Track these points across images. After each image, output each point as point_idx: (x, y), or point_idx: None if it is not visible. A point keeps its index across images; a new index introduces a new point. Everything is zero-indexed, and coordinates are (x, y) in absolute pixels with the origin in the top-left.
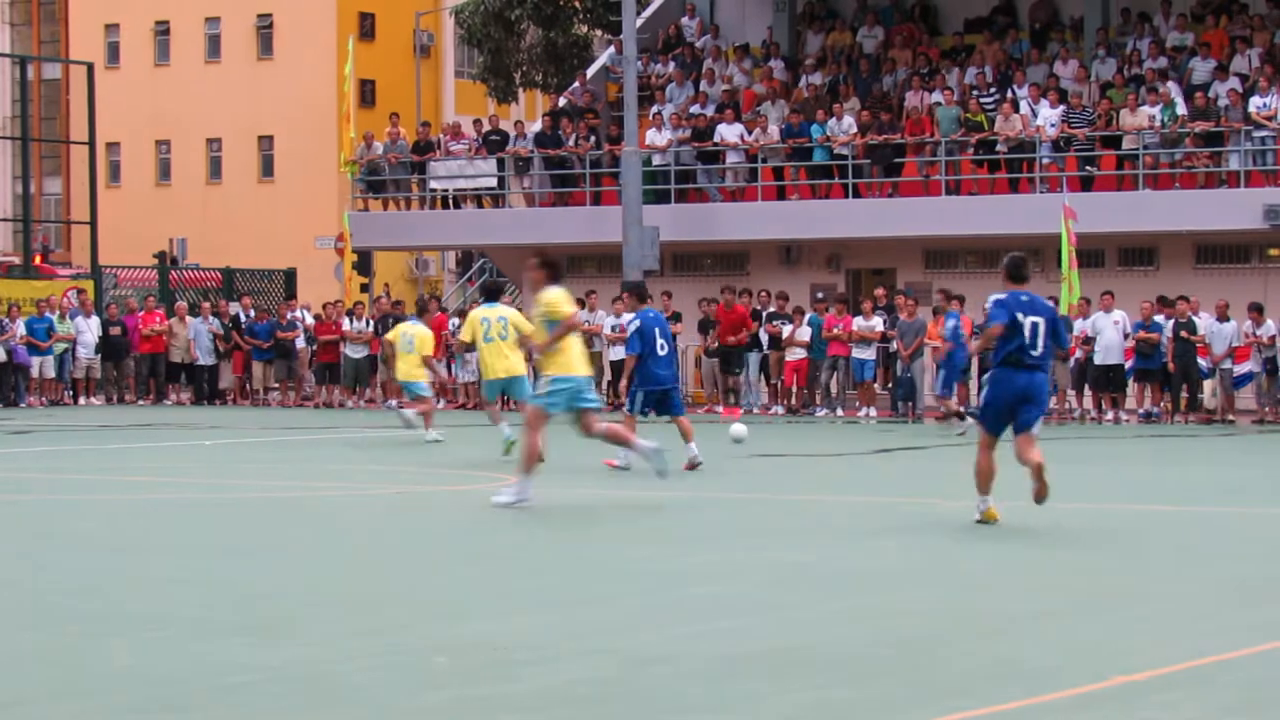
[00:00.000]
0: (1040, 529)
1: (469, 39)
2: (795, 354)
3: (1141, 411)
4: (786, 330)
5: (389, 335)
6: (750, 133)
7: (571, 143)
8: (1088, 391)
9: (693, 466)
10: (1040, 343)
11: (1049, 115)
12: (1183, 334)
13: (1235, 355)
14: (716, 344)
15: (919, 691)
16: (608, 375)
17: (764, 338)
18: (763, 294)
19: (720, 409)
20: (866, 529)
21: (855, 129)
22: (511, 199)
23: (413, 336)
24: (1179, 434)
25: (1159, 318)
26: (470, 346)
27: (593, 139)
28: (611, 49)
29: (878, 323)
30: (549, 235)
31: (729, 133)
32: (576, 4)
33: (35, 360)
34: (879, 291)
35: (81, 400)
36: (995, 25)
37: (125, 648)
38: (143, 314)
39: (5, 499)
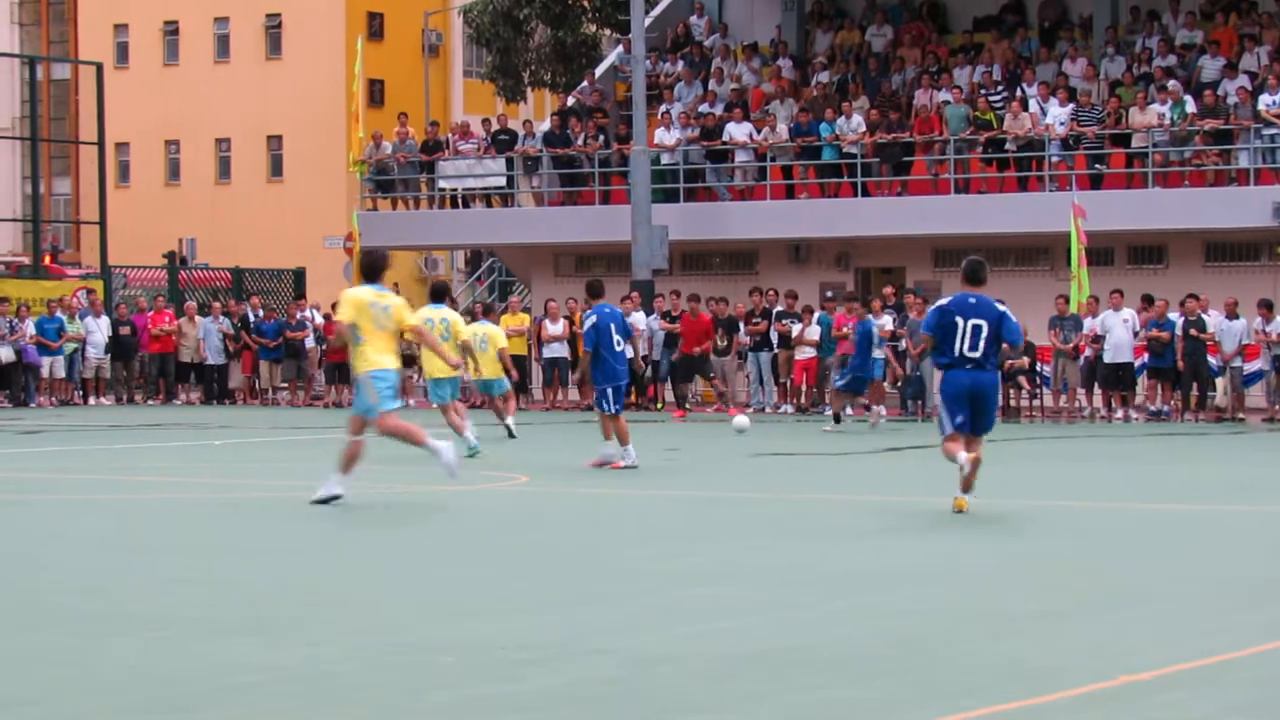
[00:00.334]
0: (1046, 527)
1: (477, 38)
2: (805, 353)
3: (1152, 409)
4: (796, 329)
5: (462, 338)
6: (759, 132)
7: (580, 142)
8: (1097, 390)
9: (601, 464)
10: (982, 344)
11: (1058, 114)
12: (1192, 332)
13: (1245, 353)
14: (679, 354)
15: (922, 691)
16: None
17: (774, 337)
18: (770, 292)
19: (674, 414)
20: (871, 528)
21: (864, 128)
22: (520, 198)
23: (485, 336)
24: (1189, 432)
25: (1173, 314)
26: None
27: (601, 138)
28: (620, 48)
29: (887, 321)
30: (558, 234)
31: (738, 132)
32: (585, 3)
33: (45, 360)
34: (888, 290)
35: (91, 400)
36: (1004, 24)
37: (130, 648)
38: (152, 314)
39: (14, 499)
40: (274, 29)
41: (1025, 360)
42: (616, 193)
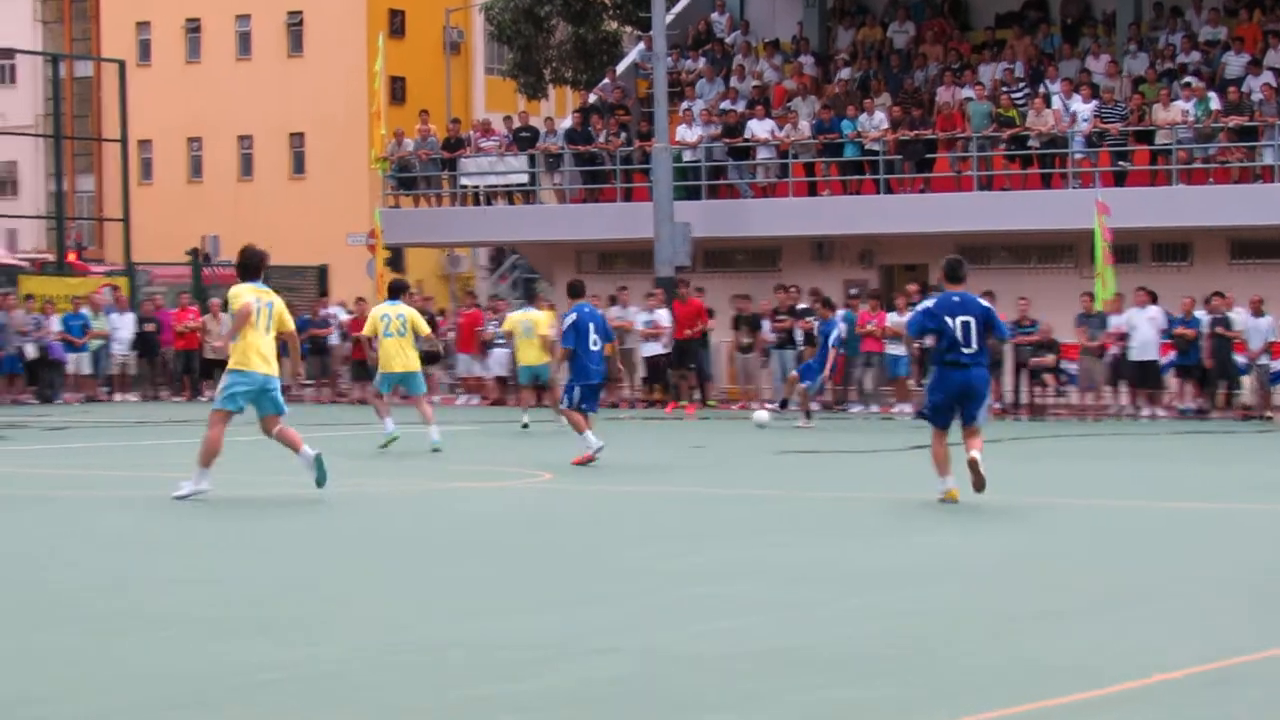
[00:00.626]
0: (1063, 525)
1: (499, 35)
2: None
3: (1181, 408)
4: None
5: (506, 326)
6: (781, 128)
7: (602, 139)
8: (1123, 387)
9: (586, 461)
10: (974, 340)
11: (1082, 110)
12: (1219, 330)
13: (1272, 351)
14: (672, 341)
15: (928, 692)
16: (642, 371)
17: (798, 334)
18: (793, 289)
19: (686, 409)
20: (887, 526)
21: (886, 124)
22: (542, 195)
23: (530, 322)
24: (1215, 430)
25: (1200, 312)
26: (372, 340)
27: (623, 135)
28: (641, 45)
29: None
30: (580, 231)
31: (760, 129)
32: (606, 0)
33: (71, 357)
34: (912, 287)
35: (117, 396)
36: (1026, 20)
37: (145, 646)
38: (176, 311)
39: (39, 495)
40: (295, 26)
41: (1051, 358)
42: (638, 190)
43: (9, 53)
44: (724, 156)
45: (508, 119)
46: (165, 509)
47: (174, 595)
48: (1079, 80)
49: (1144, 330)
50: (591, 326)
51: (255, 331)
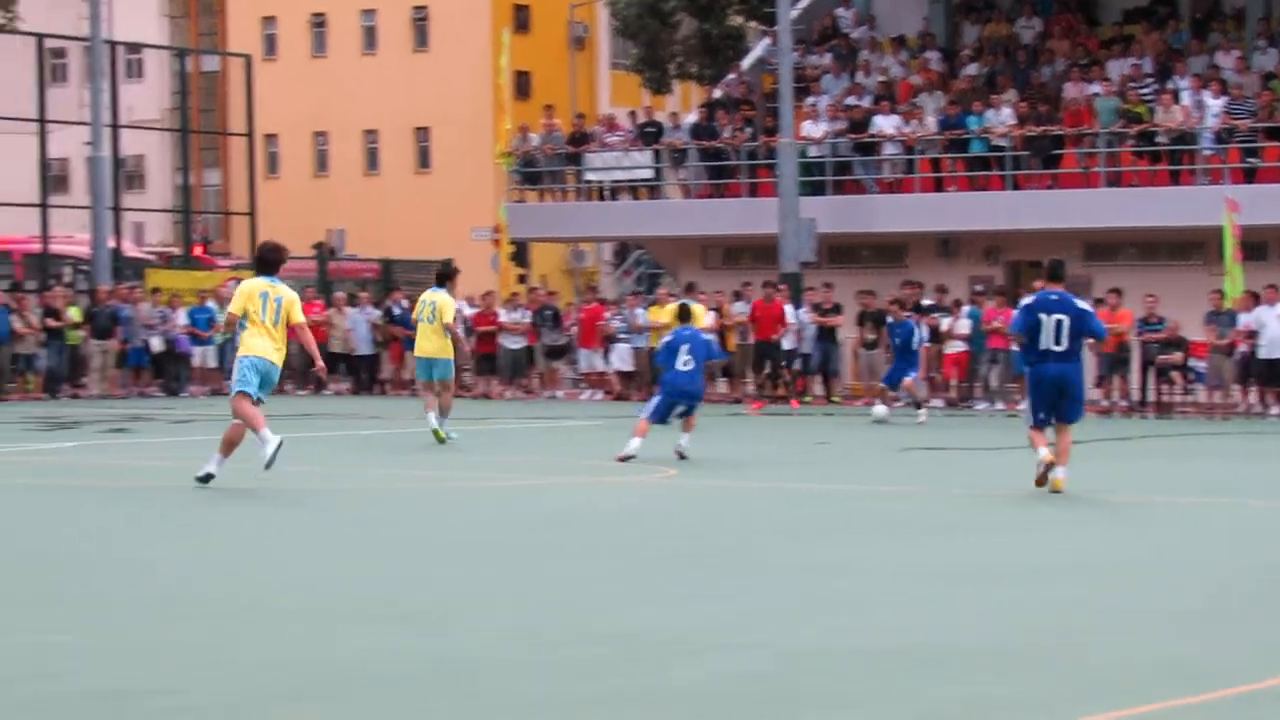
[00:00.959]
0: (1191, 525)
1: (623, 30)
2: (954, 347)
3: None
4: (945, 323)
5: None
6: (907, 124)
7: (727, 134)
8: (1253, 386)
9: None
10: (1065, 338)
11: (1211, 106)
12: None
13: None
14: (754, 341)
15: (1070, 687)
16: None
17: (924, 331)
18: (915, 286)
19: (752, 405)
20: (1013, 522)
21: (1013, 120)
22: (667, 190)
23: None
24: None
25: None
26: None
27: (748, 130)
28: (767, 40)
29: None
30: (705, 227)
31: (885, 124)
32: None
33: (197, 350)
34: (1038, 284)
35: None
36: (1155, 15)
37: (277, 636)
38: (301, 304)
39: (164, 486)
40: (421, 21)
41: (1179, 355)
42: (764, 185)
43: (136, 47)
44: (849, 152)
45: (632, 114)
46: (290, 502)
47: (303, 588)
48: (1208, 76)
49: (1273, 328)
50: (685, 348)
51: (261, 325)
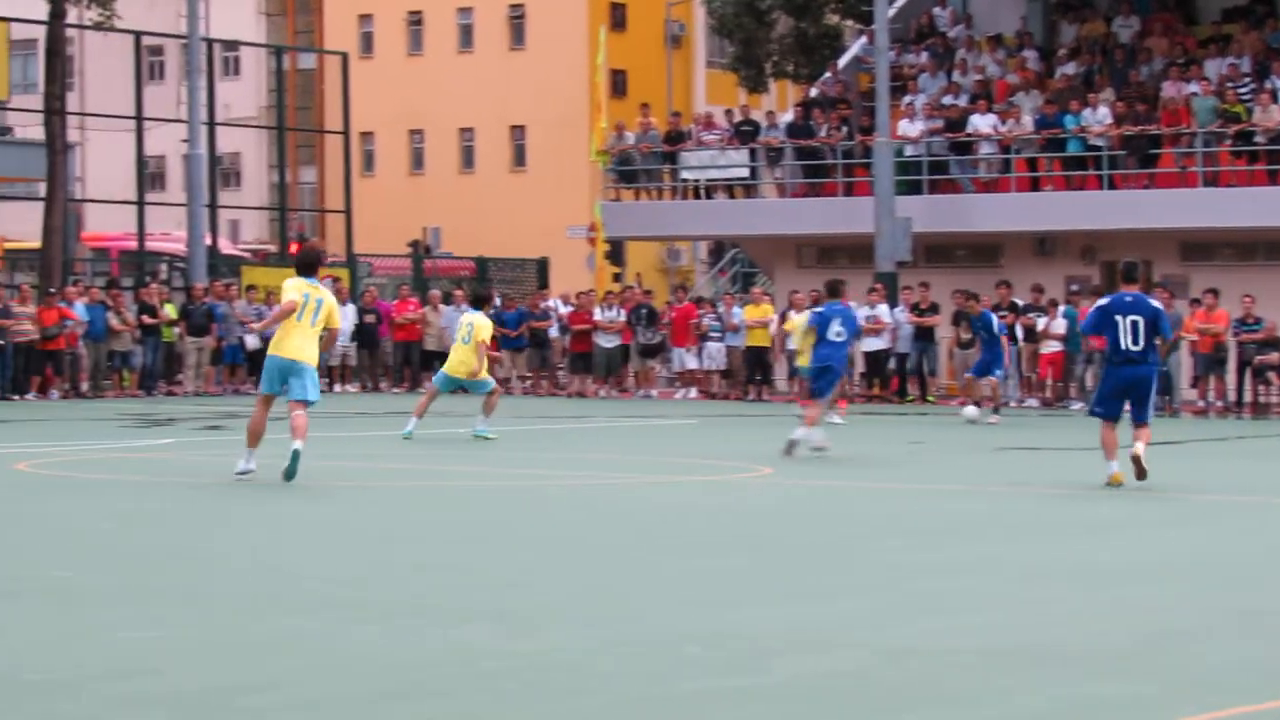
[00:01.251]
0: None
1: (720, 29)
2: (1050, 347)
3: None
4: (1041, 323)
5: (787, 326)
6: (1003, 123)
7: (823, 133)
8: None
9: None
10: (1141, 339)
11: None
12: None
13: None
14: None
15: (1178, 688)
16: (861, 366)
17: (1019, 331)
18: (1006, 286)
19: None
20: (1116, 522)
21: (1110, 119)
22: (763, 189)
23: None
24: None
25: None
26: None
27: (844, 129)
28: (863, 39)
29: None
30: (801, 226)
31: (982, 123)
32: None
33: None
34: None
35: (337, 388)
36: (1253, 15)
37: (373, 634)
38: (396, 302)
39: (261, 484)
40: (517, 19)
41: (1275, 356)
42: (860, 184)
43: (233, 45)
44: (946, 151)
45: (729, 112)
46: (390, 499)
47: (412, 585)
48: None
49: None
50: (836, 320)
51: (299, 325)
